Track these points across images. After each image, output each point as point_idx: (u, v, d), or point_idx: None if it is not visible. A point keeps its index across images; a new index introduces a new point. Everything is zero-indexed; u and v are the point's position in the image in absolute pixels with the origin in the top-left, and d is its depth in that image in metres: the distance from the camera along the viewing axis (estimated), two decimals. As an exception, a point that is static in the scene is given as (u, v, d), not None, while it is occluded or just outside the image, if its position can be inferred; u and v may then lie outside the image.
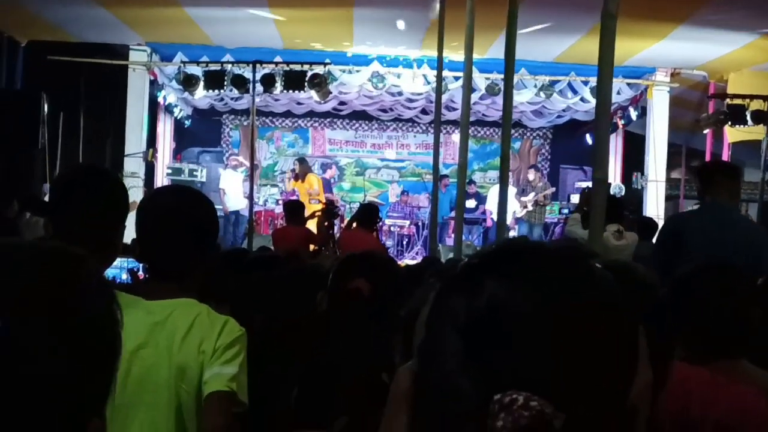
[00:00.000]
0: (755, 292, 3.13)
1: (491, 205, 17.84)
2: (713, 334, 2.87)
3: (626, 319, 1.12)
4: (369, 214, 10.66)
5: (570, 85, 17.49)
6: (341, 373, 2.90)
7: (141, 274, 6.80)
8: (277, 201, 19.71)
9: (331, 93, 17.00)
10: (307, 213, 13.01)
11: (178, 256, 2.79)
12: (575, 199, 17.33)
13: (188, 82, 15.54)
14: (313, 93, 15.82)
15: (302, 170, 18.35)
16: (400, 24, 13.98)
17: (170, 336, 2.68)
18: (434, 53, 11.15)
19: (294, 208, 12.36)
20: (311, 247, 11.57)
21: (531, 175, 19.11)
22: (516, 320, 1.06)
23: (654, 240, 7.50)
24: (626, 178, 19.17)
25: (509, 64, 6.83)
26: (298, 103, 19.88)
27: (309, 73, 15.14)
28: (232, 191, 18.37)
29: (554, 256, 1.13)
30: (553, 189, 19.18)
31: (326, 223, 13.08)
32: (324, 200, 16.42)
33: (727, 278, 3.00)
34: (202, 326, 2.69)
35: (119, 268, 6.88)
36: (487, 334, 1.07)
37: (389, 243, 17.96)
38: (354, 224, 10.80)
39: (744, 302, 2.96)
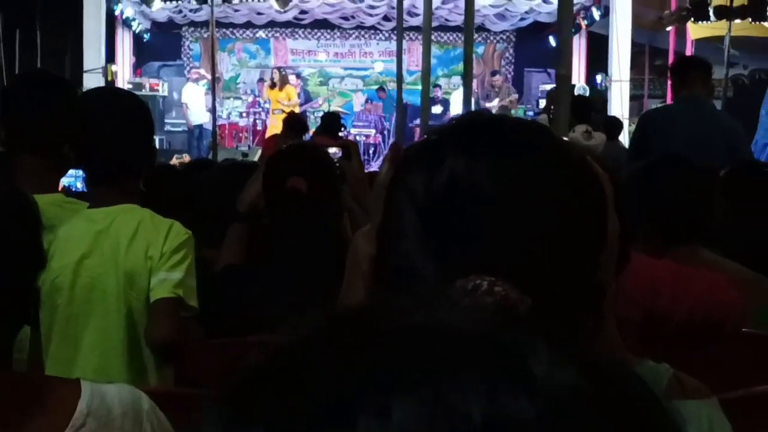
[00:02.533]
0: (716, 182, 3.16)
1: (455, 110, 17.83)
2: (670, 222, 2.91)
3: (595, 189, 1.11)
4: (331, 122, 10.61)
5: (532, -14, 17.37)
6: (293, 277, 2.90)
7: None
8: (241, 114, 19.55)
9: (291, 1, 16.78)
10: (273, 123, 12.86)
11: (114, 160, 2.73)
12: (543, 103, 17.32)
13: (145, -6, 15.29)
14: (272, 2, 15.63)
15: (281, 79, 18.19)
16: None
17: (115, 243, 2.63)
18: (394, -43, 11.01)
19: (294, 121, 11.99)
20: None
21: (496, 80, 19.09)
22: (477, 197, 1.02)
23: (627, 137, 7.55)
24: (590, 79, 19.15)
25: (470, -35, 6.75)
26: (258, 14, 19.61)
27: (268, -18, 14.94)
28: (194, 105, 18.18)
29: (517, 129, 1.08)
30: (517, 95, 19.15)
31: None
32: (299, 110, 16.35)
33: (683, 167, 3.04)
34: (147, 231, 2.65)
35: (74, 177, 6.80)
36: (448, 213, 1.02)
37: (355, 152, 17.90)
38: (317, 135, 10.73)
39: (700, 190, 3.00)
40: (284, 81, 18.20)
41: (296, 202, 2.98)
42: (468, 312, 0.56)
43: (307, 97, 20.26)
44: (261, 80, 20.41)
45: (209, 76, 15.72)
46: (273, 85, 18.19)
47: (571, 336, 0.54)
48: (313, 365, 0.51)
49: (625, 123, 14.07)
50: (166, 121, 18.77)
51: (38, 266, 1.59)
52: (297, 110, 16.88)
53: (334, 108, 19.34)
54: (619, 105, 16.85)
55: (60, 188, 3.15)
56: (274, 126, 15.64)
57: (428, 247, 1.03)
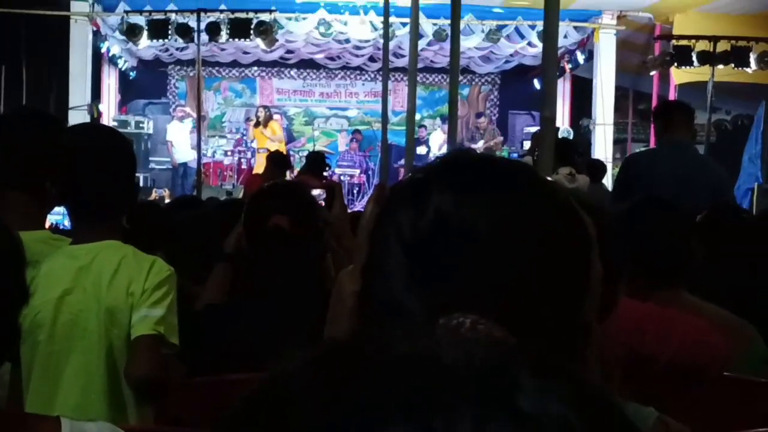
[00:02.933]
0: (695, 227, 3.18)
1: (435, 150, 17.92)
2: (653, 265, 2.92)
3: (580, 230, 1.10)
4: (316, 162, 10.60)
5: (517, 30, 17.47)
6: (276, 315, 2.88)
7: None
8: (226, 152, 19.58)
9: (277, 41, 16.84)
10: (260, 162, 12.85)
11: (97, 197, 2.73)
12: (528, 145, 17.40)
13: (132, 32, 15.28)
14: (259, 41, 15.65)
15: (265, 117, 18.23)
16: None
17: (97, 279, 2.62)
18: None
19: (278, 158, 12.01)
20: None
21: (482, 123, 19.21)
22: (463, 234, 1.01)
23: (610, 180, 7.58)
24: (574, 122, 19.28)
25: (456, 9, 6.78)
26: (245, 53, 19.69)
27: (255, 21, 14.98)
28: (179, 143, 18.22)
29: (503, 167, 1.08)
30: (501, 137, 19.26)
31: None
32: (285, 149, 16.41)
33: (667, 210, 3.05)
34: (129, 267, 2.64)
35: (62, 215, 6.78)
36: (434, 250, 1.02)
37: (339, 192, 17.90)
38: (302, 174, 10.72)
39: (683, 233, 3.02)
40: (268, 118, 18.24)
41: (279, 240, 2.97)
42: (455, 343, 0.56)
43: (290, 137, 20.30)
44: (248, 119, 20.47)
45: (195, 115, 15.77)
46: (257, 124, 18.22)
47: (558, 370, 0.54)
48: (299, 398, 0.50)
49: (609, 166, 14.14)
50: (150, 158, 18.78)
51: (21, 302, 1.58)
52: (282, 148, 16.93)
53: (318, 147, 19.38)
54: (602, 148, 16.95)
55: (48, 226, 3.13)
56: (261, 165, 15.65)
57: (414, 283, 1.02)
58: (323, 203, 3.19)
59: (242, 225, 3.08)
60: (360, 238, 1.10)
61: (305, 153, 16.30)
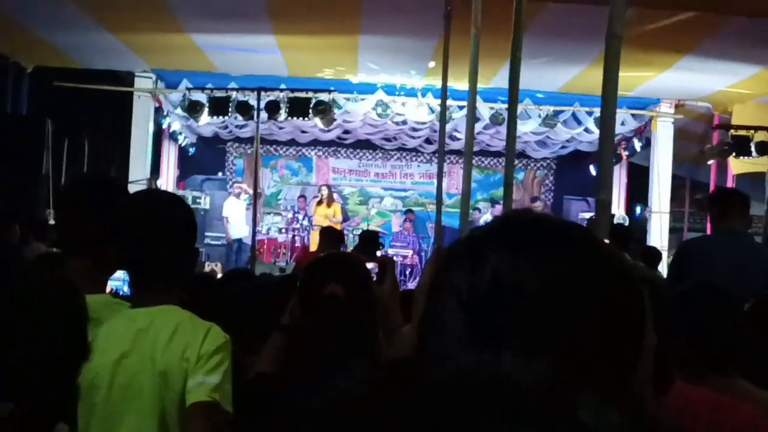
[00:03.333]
0: (746, 314, 3.17)
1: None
2: (707, 351, 2.90)
3: (634, 295, 1.12)
4: (369, 240, 10.59)
5: (574, 116, 17.52)
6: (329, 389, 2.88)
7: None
8: (280, 229, 19.74)
9: (335, 120, 17.05)
10: (315, 239, 12.97)
11: (157, 261, 2.77)
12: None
13: (193, 109, 15.59)
14: (317, 120, 15.88)
15: (328, 196, 18.67)
16: (431, 63, 14.03)
17: (153, 343, 2.65)
18: (439, 82, 11.18)
19: (332, 233, 12.10)
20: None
21: (537, 207, 19.22)
22: (518, 294, 1.03)
23: (665, 269, 7.53)
24: (630, 210, 19.19)
25: (513, 93, 6.83)
26: (302, 132, 19.94)
27: (313, 101, 15.21)
28: (235, 219, 18.42)
29: (559, 229, 1.11)
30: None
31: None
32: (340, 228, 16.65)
33: (720, 297, 3.04)
34: (185, 333, 2.66)
35: (121, 281, 6.87)
36: (490, 308, 1.04)
37: (392, 272, 17.92)
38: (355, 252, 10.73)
39: (737, 320, 3.00)
40: (331, 198, 18.60)
41: (333, 308, 2.99)
42: (520, 364, 0.58)
43: (345, 216, 20.45)
44: (301, 197, 20.67)
45: (251, 191, 15.94)
46: (320, 202, 18.52)
47: (615, 392, 0.55)
48: (367, 413, 0.53)
49: (664, 254, 14.03)
50: (206, 233, 18.97)
51: (81, 360, 1.62)
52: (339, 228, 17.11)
53: (372, 227, 19.49)
54: (658, 236, 16.84)
55: (107, 291, 3.18)
56: (315, 242, 15.85)
57: (470, 340, 1.04)
58: (375, 278, 3.20)
59: (297, 294, 3.10)
60: (417, 296, 1.13)
61: (359, 232, 16.38)
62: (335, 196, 19.94)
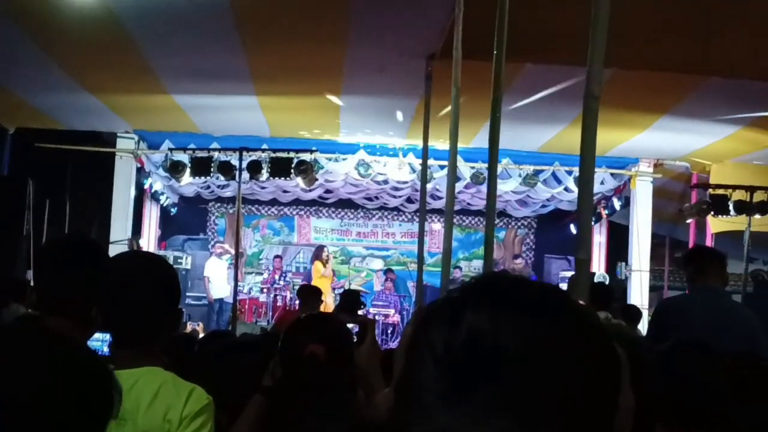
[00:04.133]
0: (728, 369, 3.17)
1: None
2: (691, 408, 2.90)
3: (611, 352, 1.12)
4: (350, 300, 10.61)
5: (554, 175, 17.62)
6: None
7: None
8: (262, 289, 19.70)
9: (317, 180, 17.09)
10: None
11: (141, 322, 2.76)
12: (565, 288, 17.34)
13: (175, 169, 15.59)
14: (299, 180, 15.90)
15: (327, 255, 18.90)
16: (399, 115, 14.13)
17: (135, 404, 2.64)
18: (420, 142, 11.25)
19: (313, 290, 12.05)
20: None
21: (517, 266, 19.26)
22: (497, 353, 1.04)
23: (645, 324, 7.53)
24: (610, 268, 19.24)
25: (493, 153, 6.87)
26: (284, 191, 19.98)
27: (295, 160, 15.25)
28: (216, 279, 18.39)
29: (537, 290, 1.11)
30: (536, 278, 19.32)
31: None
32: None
33: (704, 354, 3.05)
34: (168, 394, 2.65)
35: (101, 341, 6.80)
36: (467, 367, 1.05)
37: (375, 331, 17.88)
38: (336, 311, 10.74)
39: (719, 377, 3.00)
40: (328, 257, 18.93)
41: (314, 369, 2.98)
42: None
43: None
44: (277, 257, 20.69)
45: (233, 251, 15.93)
46: (325, 261, 18.97)
47: None
48: None
49: (645, 313, 14.05)
50: (187, 294, 18.90)
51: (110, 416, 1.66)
52: (327, 288, 17.33)
53: (354, 286, 19.47)
54: (638, 295, 16.86)
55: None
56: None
57: (446, 399, 1.05)
58: (356, 339, 3.19)
59: (278, 354, 3.09)
60: (397, 357, 1.13)
61: (341, 291, 16.38)
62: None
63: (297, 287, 13.83)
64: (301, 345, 3.03)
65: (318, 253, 19.66)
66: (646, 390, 1.63)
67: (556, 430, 1.03)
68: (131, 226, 17.23)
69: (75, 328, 2.89)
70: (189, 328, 15.97)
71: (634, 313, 10.81)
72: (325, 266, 18.95)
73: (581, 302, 1.13)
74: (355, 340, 3.10)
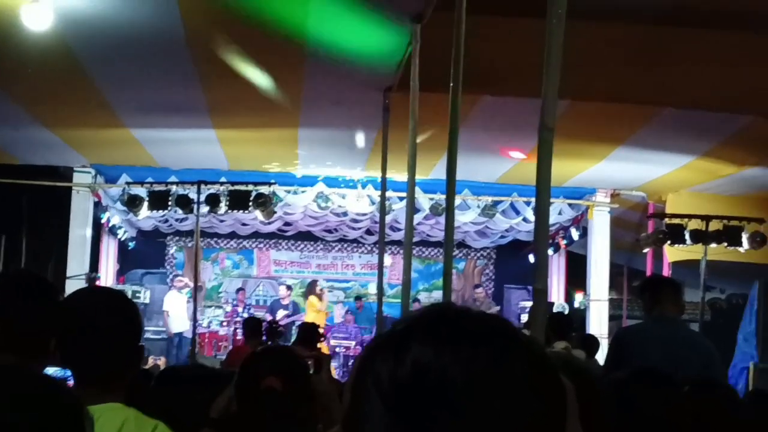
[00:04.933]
0: (686, 399, 3.17)
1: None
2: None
3: (557, 382, 1.12)
4: (308, 332, 10.54)
5: (512, 206, 17.72)
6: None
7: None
8: (221, 323, 19.58)
9: (275, 213, 17.05)
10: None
11: (102, 358, 2.73)
12: (525, 318, 17.41)
13: (132, 203, 15.49)
14: (257, 213, 15.86)
15: (321, 289, 18.88)
16: (360, 139, 14.11)
17: None
18: (378, 173, 11.27)
19: (253, 325, 12.04)
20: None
21: (478, 295, 19.34)
22: (440, 387, 1.04)
23: (601, 356, 7.55)
24: (569, 298, 19.33)
25: (450, 184, 6.91)
26: (243, 224, 19.94)
27: (254, 193, 15.21)
28: (175, 313, 18.26)
29: (482, 322, 1.11)
30: (498, 308, 19.34)
31: (269, 343, 12.96)
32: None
33: (661, 380, 3.04)
34: None
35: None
36: (411, 401, 1.04)
37: (335, 364, 17.84)
38: (295, 345, 10.69)
39: (679, 403, 3.00)
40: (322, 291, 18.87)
41: (271, 402, 2.95)
42: None
43: (295, 309, 20.33)
44: (241, 290, 20.54)
45: (192, 285, 15.83)
46: (319, 296, 18.82)
47: None
48: None
49: (604, 342, 14.10)
50: (146, 328, 18.70)
51: None
52: (322, 320, 17.44)
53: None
54: (597, 324, 16.93)
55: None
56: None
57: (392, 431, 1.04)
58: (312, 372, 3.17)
59: (233, 387, 3.06)
60: (345, 391, 1.12)
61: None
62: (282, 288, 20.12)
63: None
64: (258, 377, 3.00)
65: (312, 288, 19.38)
66: (597, 421, 1.63)
67: None
68: (89, 261, 17.08)
69: (32, 366, 2.84)
70: (151, 362, 15.85)
71: (592, 343, 10.84)
72: (321, 300, 18.85)
73: (525, 332, 1.13)
74: (311, 372, 3.08)
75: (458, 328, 1.09)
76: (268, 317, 18.51)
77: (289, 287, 20.35)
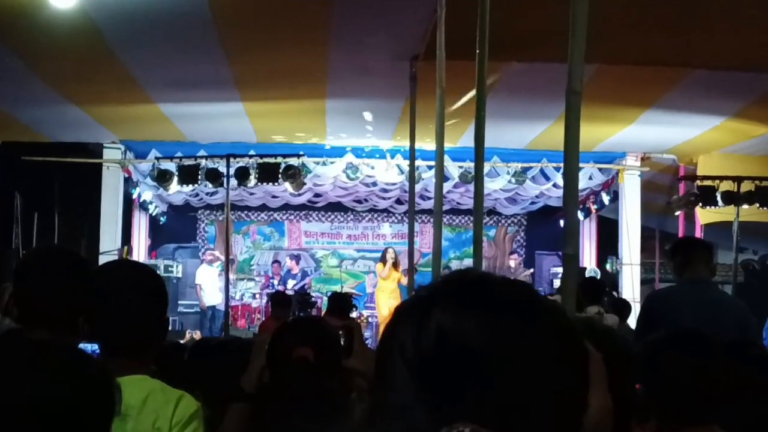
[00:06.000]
0: (724, 359, 3.14)
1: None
2: (684, 400, 2.87)
3: (579, 349, 1.12)
4: (338, 302, 10.49)
5: (542, 172, 17.63)
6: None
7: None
8: (254, 295, 19.69)
9: (305, 184, 17.08)
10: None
11: (127, 331, 2.75)
12: (558, 284, 17.38)
13: (162, 178, 15.57)
14: (287, 185, 15.90)
15: (408, 255, 18.39)
16: (368, 115, 14.13)
17: (124, 413, 2.63)
18: (407, 143, 11.26)
19: (279, 299, 12.07)
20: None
21: (512, 262, 19.29)
22: (463, 352, 1.05)
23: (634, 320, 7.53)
24: (601, 263, 19.26)
25: (479, 151, 6.89)
26: (273, 197, 19.97)
27: (283, 165, 15.24)
28: (208, 286, 18.37)
29: (505, 288, 1.12)
30: (531, 270, 19.34)
31: (300, 314, 13.03)
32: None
33: (696, 344, 3.02)
34: (156, 402, 2.65)
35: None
36: (435, 366, 1.05)
37: (368, 333, 17.91)
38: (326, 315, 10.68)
39: (714, 368, 2.97)
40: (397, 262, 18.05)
41: (303, 372, 2.97)
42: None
43: (303, 275, 20.25)
44: (276, 262, 20.61)
45: (223, 258, 15.91)
46: (396, 264, 17.98)
47: None
48: None
49: (637, 306, 14.07)
50: (179, 302, 18.88)
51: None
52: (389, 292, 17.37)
53: (347, 289, 19.44)
54: (630, 288, 16.88)
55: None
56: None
57: (418, 399, 1.06)
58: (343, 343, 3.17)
59: (265, 359, 3.07)
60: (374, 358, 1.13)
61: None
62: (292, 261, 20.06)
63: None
64: (289, 348, 3.02)
65: (383, 257, 18.45)
66: (625, 388, 1.63)
67: (526, 424, 1.03)
68: (121, 237, 17.19)
69: (58, 339, 2.87)
70: (188, 336, 15.97)
71: (624, 307, 10.82)
72: (384, 266, 18.04)
73: (553, 298, 1.14)
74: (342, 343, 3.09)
75: (479, 294, 1.10)
76: (281, 288, 18.62)
77: (295, 257, 20.38)
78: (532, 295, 1.12)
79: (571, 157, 4.33)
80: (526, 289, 1.13)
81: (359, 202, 20.76)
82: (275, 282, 19.56)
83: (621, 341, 2.07)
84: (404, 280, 17.04)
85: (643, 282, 17.92)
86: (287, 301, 11.84)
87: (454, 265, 20.88)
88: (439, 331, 1.06)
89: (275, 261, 20.84)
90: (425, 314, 1.09)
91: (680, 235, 17.08)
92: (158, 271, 17.97)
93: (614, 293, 15.68)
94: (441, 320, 1.07)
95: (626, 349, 2.05)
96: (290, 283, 19.18)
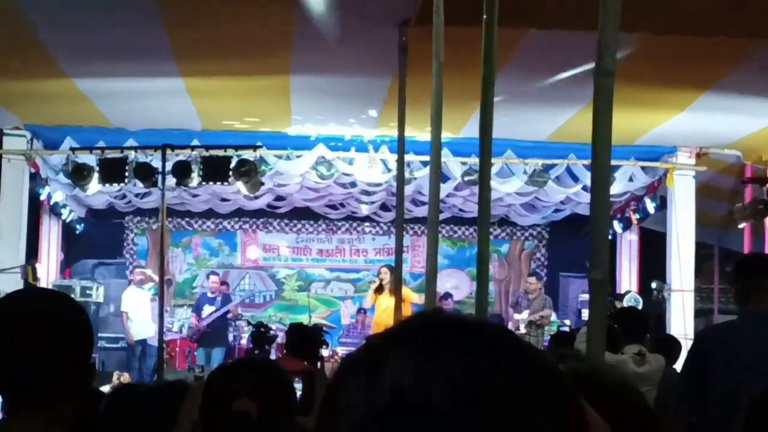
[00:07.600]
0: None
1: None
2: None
3: (570, 403, 1.12)
4: (302, 337, 10.08)
5: (569, 171, 17.64)
6: None
7: None
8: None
9: (263, 185, 17.04)
10: None
11: (38, 379, 2.75)
12: (587, 314, 17.37)
13: (78, 175, 15.53)
14: (240, 185, 15.87)
15: (395, 279, 18.01)
16: (372, 112, 14.13)
17: None
18: (395, 132, 11.25)
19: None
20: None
21: (532, 285, 19.01)
22: (425, 412, 1.04)
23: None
24: (644, 288, 19.28)
25: (485, 144, 6.88)
26: (222, 200, 19.97)
27: (235, 160, 15.22)
28: (137, 315, 18.35)
29: (473, 331, 1.11)
30: (551, 312, 19.03)
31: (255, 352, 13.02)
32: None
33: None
34: None
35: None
36: (390, 428, 1.05)
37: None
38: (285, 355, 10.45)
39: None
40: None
41: (242, 430, 2.95)
42: None
43: (225, 301, 19.71)
44: (224, 283, 20.52)
45: (157, 278, 15.88)
46: (380, 288, 17.51)
47: None
48: None
49: (688, 344, 14.08)
50: (100, 335, 18.83)
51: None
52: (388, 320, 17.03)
53: (315, 320, 19.36)
54: (681, 322, 16.87)
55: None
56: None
57: None
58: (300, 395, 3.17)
59: (197, 413, 3.06)
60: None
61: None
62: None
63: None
64: (228, 400, 3.00)
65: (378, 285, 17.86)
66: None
67: None
68: (25, 250, 17.12)
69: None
70: (114, 379, 15.92)
71: (673, 346, 10.78)
72: (391, 294, 17.37)
73: (532, 345, 1.13)
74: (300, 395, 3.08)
75: (443, 341, 1.10)
76: (193, 318, 18.46)
77: (222, 281, 19.93)
78: (512, 342, 1.12)
79: (600, 152, 4.33)
80: (499, 333, 1.13)
81: (333, 207, 20.76)
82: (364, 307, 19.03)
83: (644, 400, 2.04)
84: (417, 298, 16.69)
85: (697, 314, 17.94)
86: (308, 336, 10.79)
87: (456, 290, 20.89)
88: (395, 388, 1.06)
89: (223, 282, 20.23)
90: (378, 366, 1.08)
91: (746, 252, 17.12)
92: (73, 295, 17.96)
93: (660, 328, 15.70)
94: (396, 374, 1.06)
95: (646, 407, 2.02)
96: (206, 309, 18.68)
